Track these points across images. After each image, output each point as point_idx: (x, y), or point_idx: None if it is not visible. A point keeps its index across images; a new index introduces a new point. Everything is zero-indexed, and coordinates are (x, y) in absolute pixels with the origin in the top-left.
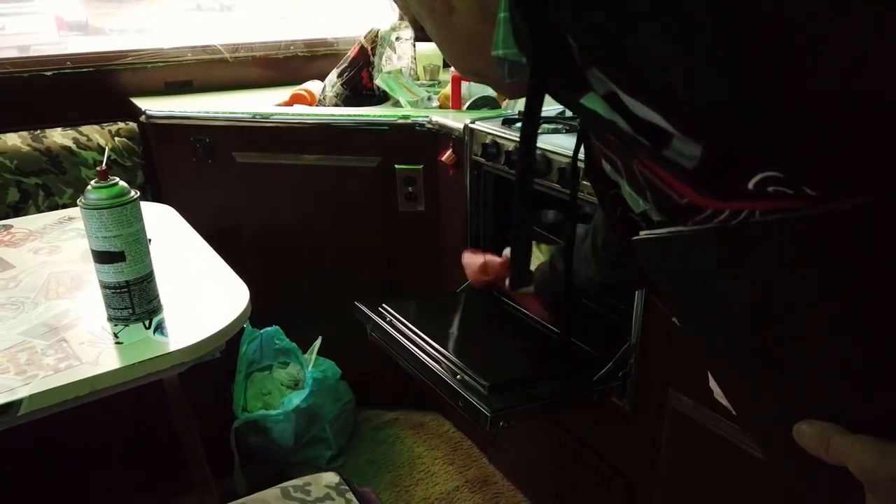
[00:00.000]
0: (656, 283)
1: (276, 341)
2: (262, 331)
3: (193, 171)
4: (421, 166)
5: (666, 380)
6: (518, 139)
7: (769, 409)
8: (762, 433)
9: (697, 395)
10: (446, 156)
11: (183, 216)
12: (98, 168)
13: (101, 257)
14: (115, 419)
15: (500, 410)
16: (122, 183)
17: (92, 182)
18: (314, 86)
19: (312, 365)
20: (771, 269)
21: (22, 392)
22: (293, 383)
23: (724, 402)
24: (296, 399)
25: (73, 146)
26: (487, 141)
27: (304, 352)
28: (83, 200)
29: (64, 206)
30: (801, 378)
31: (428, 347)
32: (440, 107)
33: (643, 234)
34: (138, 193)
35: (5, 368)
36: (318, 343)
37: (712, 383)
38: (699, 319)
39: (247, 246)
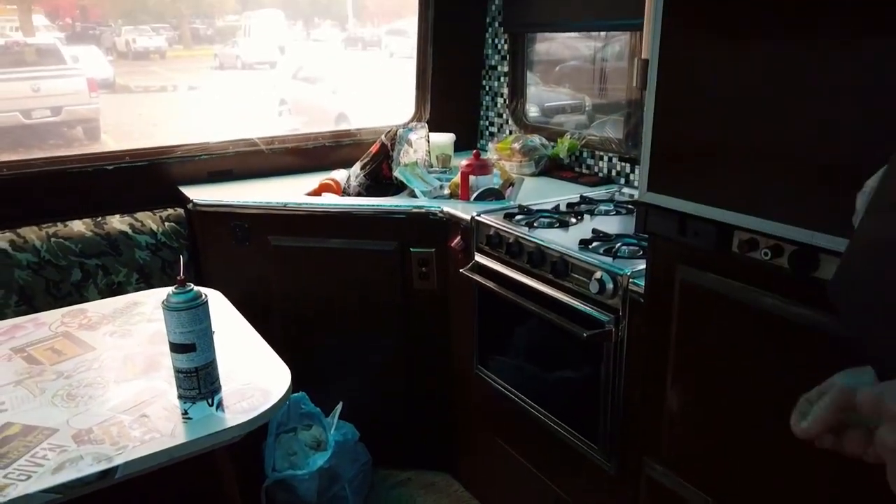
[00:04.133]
0: None
1: (302, 406)
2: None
3: (233, 252)
4: (433, 249)
5: (641, 446)
6: (518, 233)
7: None
8: None
9: (668, 463)
10: (455, 242)
11: (222, 290)
12: (178, 278)
13: (177, 348)
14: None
15: None
16: (196, 288)
17: (173, 288)
18: (340, 174)
19: (334, 428)
20: None
21: (118, 460)
22: (316, 444)
23: None
24: (319, 460)
25: (129, 231)
26: (491, 232)
27: (327, 415)
28: (166, 303)
29: (119, 284)
30: None
31: None
32: (451, 194)
33: None
34: (207, 297)
35: (101, 440)
36: (339, 407)
37: None
38: None
39: (278, 319)
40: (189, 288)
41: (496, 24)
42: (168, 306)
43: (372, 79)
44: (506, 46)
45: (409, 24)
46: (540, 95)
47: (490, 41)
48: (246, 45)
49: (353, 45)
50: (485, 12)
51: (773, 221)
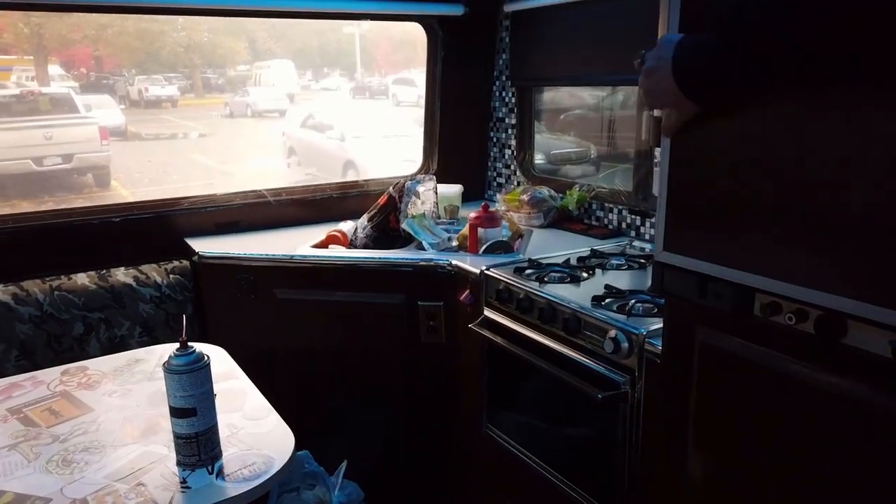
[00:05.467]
0: None
1: (306, 465)
2: None
3: (238, 304)
4: (442, 303)
5: None
6: (529, 288)
7: None
8: None
9: None
10: (464, 296)
11: (225, 344)
12: (180, 339)
13: (177, 412)
14: None
15: None
16: (199, 350)
17: (174, 350)
18: (347, 226)
19: (338, 488)
20: None
21: None
22: None
23: None
24: None
25: (134, 283)
26: (501, 287)
27: (331, 474)
28: (167, 366)
29: (121, 338)
30: None
31: None
32: (459, 247)
33: None
34: (209, 357)
35: None
36: (343, 466)
37: None
38: None
39: (281, 373)
40: (191, 349)
41: (503, 78)
42: (169, 368)
43: (379, 127)
44: (513, 99)
45: (415, 74)
46: (545, 143)
47: (497, 94)
48: (256, 94)
49: (361, 93)
50: (492, 66)
51: (796, 286)
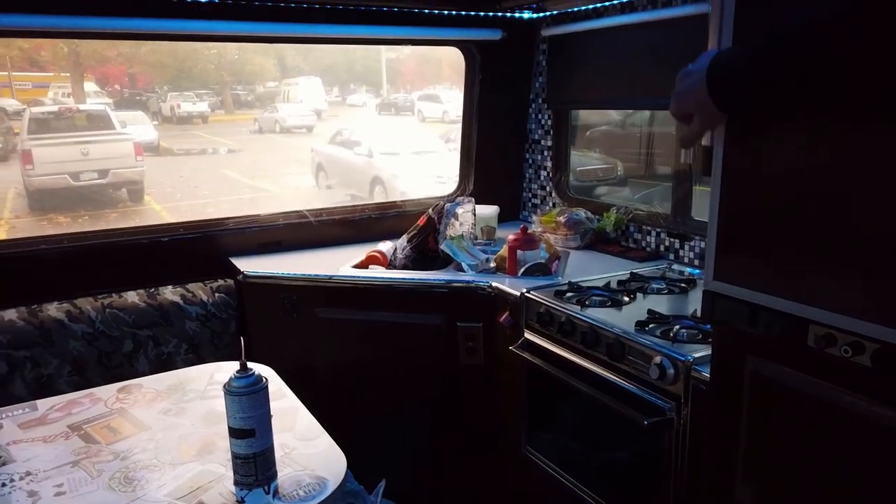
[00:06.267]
0: None
1: (347, 483)
2: None
3: (280, 323)
4: (480, 324)
5: None
6: (570, 311)
7: None
8: None
9: None
10: (503, 318)
11: (268, 361)
12: (241, 361)
13: (236, 433)
14: None
15: None
16: (258, 372)
17: (235, 372)
18: (386, 246)
19: None
20: None
21: None
22: None
23: None
24: None
25: (181, 302)
26: (541, 310)
27: (370, 493)
28: (227, 387)
29: (168, 355)
30: None
31: None
32: (497, 268)
33: None
34: (267, 380)
35: None
36: (382, 485)
37: None
38: None
39: (321, 390)
40: (251, 372)
41: (539, 101)
42: (229, 390)
43: (406, 143)
44: (549, 122)
45: (440, 90)
46: (572, 160)
47: (533, 116)
48: (285, 110)
49: (387, 109)
50: (528, 89)
51: (852, 318)
